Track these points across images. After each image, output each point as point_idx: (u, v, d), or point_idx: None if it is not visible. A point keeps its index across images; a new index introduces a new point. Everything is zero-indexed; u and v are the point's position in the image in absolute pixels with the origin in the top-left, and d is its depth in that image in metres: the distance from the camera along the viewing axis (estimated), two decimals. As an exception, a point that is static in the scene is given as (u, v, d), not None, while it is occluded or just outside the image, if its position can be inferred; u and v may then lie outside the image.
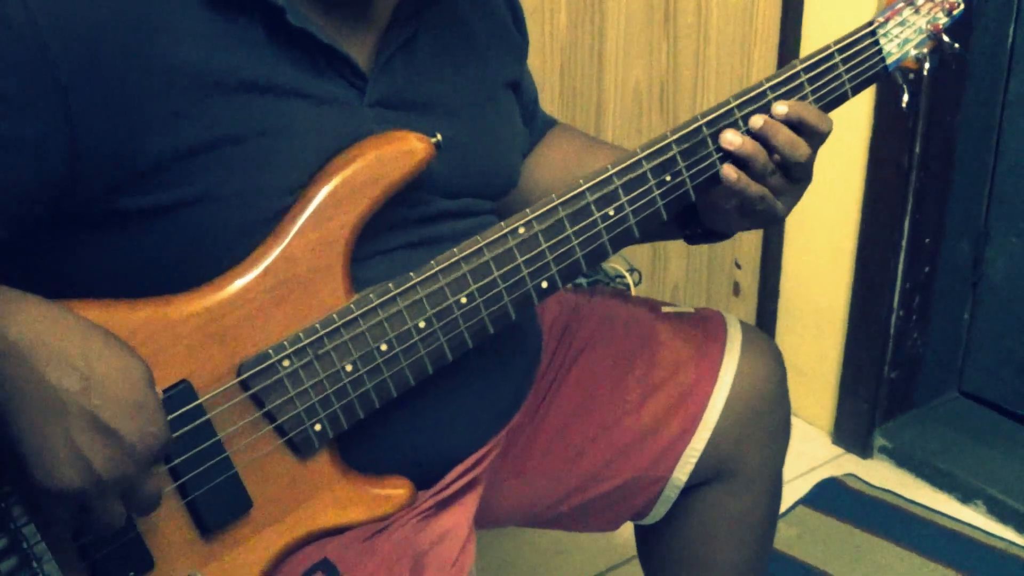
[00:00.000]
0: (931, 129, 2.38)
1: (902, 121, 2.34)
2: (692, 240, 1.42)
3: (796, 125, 1.26)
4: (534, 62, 2.09)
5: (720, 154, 1.27)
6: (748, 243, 2.68)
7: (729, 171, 1.25)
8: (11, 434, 0.94)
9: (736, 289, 2.72)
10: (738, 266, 2.70)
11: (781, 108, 1.26)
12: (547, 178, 1.47)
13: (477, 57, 1.32)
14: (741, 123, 1.27)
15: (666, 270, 2.56)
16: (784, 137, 1.25)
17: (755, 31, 2.48)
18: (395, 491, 1.21)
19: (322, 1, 1.15)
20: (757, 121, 1.26)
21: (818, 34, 2.45)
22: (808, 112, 1.27)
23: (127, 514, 1.01)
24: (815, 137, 1.28)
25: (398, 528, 1.22)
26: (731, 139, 1.25)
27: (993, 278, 2.58)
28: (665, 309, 1.55)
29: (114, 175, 1.04)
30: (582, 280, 2.18)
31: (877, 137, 2.39)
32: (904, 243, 2.45)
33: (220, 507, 1.10)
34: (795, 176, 1.28)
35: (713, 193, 1.30)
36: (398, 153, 1.15)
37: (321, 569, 1.16)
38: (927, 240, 2.49)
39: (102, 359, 0.97)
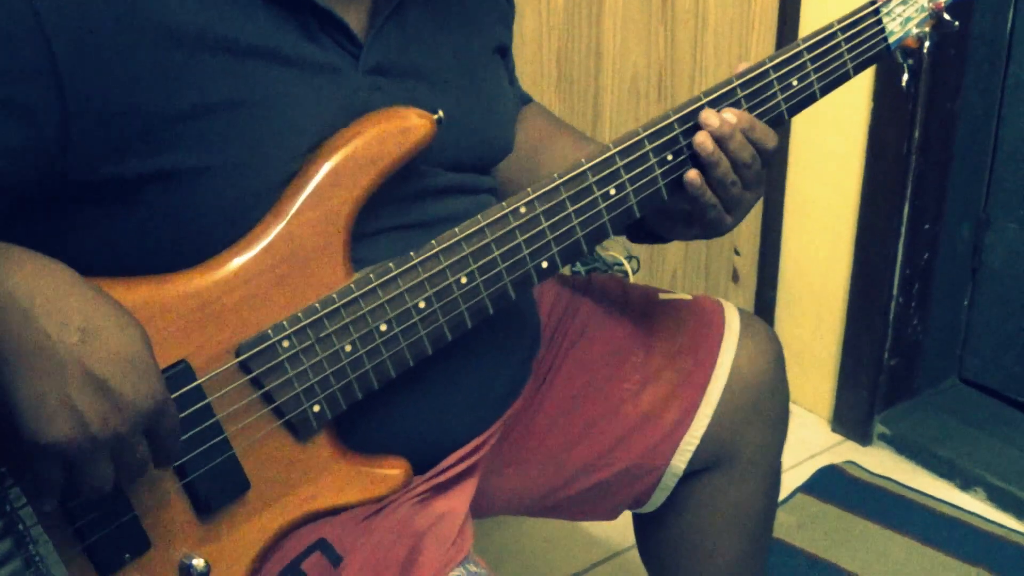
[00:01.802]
0: (931, 114, 2.37)
1: (902, 106, 2.33)
2: (634, 239, 1.42)
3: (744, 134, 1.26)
4: (531, 49, 2.09)
5: None
6: (747, 229, 2.68)
7: (694, 175, 1.25)
8: (5, 384, 0.93)
9: (735, 276, 2.72)
10: (737, 253, 2.69)
11: (731, 118, 1.25)
12: (521, 156, 1.46)
13: (467, 22, 1.31)
14: (744, 102, 1.27)
15: (664, 257, 2.56)
16: (738, 140, 1.25)
17: (753, 17, 2.48)
18: (391, 471, 1.20)
19: None
20: (713, 120, 1.24)
21: (816, 20, 2.43)
22: (753, 125, 1.26)
23: (116, 483, 1.00)
24: (762, 152, 1.27)
25: (396, 509, 1.22)
26: (703, 142, 1.24)
27: (993, 264, 2.58)
28: (663, 296, 1.54)
29: (105, 139, 1.03)
30: (580, 268, 2.18)
31: (876, 122, 2.39)
32: (903, 229, 2.44)
33: (218, 488, 1.09)
34: (747, 184, 1.28)
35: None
36: (399, 130, 1.14)
37: (318, 549, 1.16)
38: (926, 226, 2.48)
39: (100, 315, 0.96)
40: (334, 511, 1.17)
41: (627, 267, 2.28)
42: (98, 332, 0.95)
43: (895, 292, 2.49)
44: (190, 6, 1.05)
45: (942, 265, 2.56)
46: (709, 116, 1.24)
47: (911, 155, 2.38)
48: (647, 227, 1.37)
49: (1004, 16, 2.42)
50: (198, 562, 1.08)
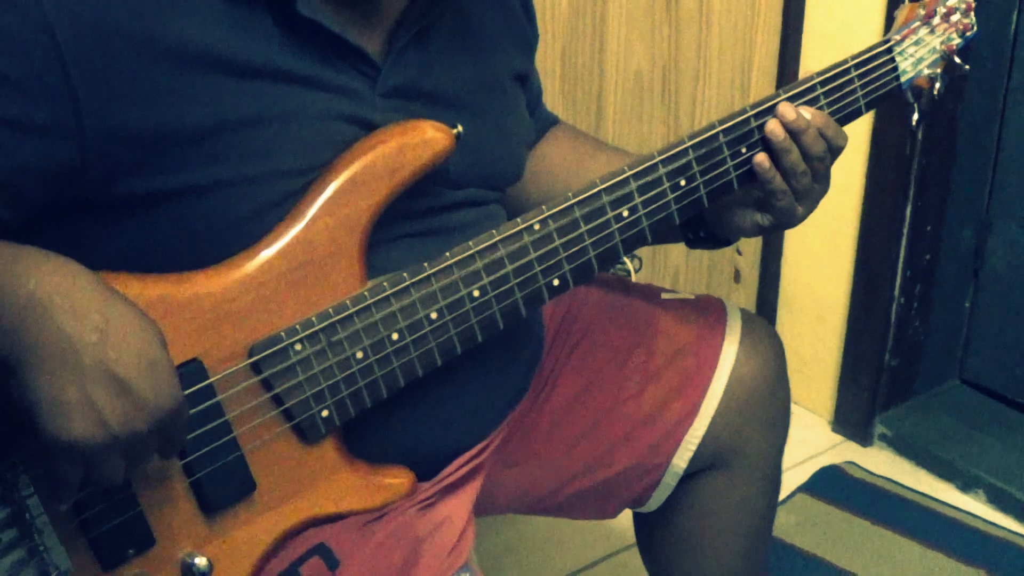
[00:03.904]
0: (933, 116, 2.37)
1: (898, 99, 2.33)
2: (692, 244, 1.44)
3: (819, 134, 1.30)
4: (535, 46, 2.08)
5: (735, 162, 1.29)
6: (749, 230, 2.67)
7: (763, 158, 1.28)
8: (26, 384, 0.94)
9: (737, 276, 2.72)
10: (739, 252, 2.70)
11: (807, 114, 1.29)
12: (549, 178, 1.48)
13: (488, 49, 1.32)
14: (757, 132, 1.29)
15: (667, 256, 2.56)
16: (811, 135, 1.28)
17: (758, 17, 2.48)
18: (396, 480, 1.21)
19: None
20: (791, 113, 1.27)
21: (821, 21, 2.45)
22: (828, 124, 1.30)
23: (126, 480, 1.01)
24: (832, 150, 1.31)
25: (397, 515, 1.22)
26: (774, 129, 1.28)
27: (994, 266, 2.58)
28: (665, 296, 1.55)
29: (122, 158, 1.04)
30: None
31: (879, 124, 2.39)
32: (905, 230, 2.45)
33: (224, 488, 1.10)
34: (817, 177, 1.31)
35: (728, 198, 1.32)
36: (419, 142, 1.15)
37: (318, 553, 1.16)
38: (929, 228, 2.48)
39: (119, 315, 0.97)
40: (337, 517, 1.18)
41: (629, 265, 2.27)
42: (117, 332, 0.96)
43: (897, 293, 2.49)
44: (205, 28, 1.06)
45: (944, 266, 2.56)
46: (787, 109, 1.28)
47: (914, 156, 2.39)
48: (708, 232, 1.40)
49: (1008, 19, 2.42)
50: (200, 561, 1.09)
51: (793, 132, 1.28)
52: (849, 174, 2.46)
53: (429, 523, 1.25)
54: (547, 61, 2.19)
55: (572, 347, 1.50)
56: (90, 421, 0.94)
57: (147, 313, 1.02)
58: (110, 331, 0.95)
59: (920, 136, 2.37)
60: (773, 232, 1.37)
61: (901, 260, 2.47)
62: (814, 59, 2.49)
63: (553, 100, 2.21)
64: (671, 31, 2.36)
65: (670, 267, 2.58)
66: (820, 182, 1.32)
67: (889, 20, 2.28)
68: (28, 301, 0.94)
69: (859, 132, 2.41)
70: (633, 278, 2.24)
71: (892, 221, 2.44)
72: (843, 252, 2.55)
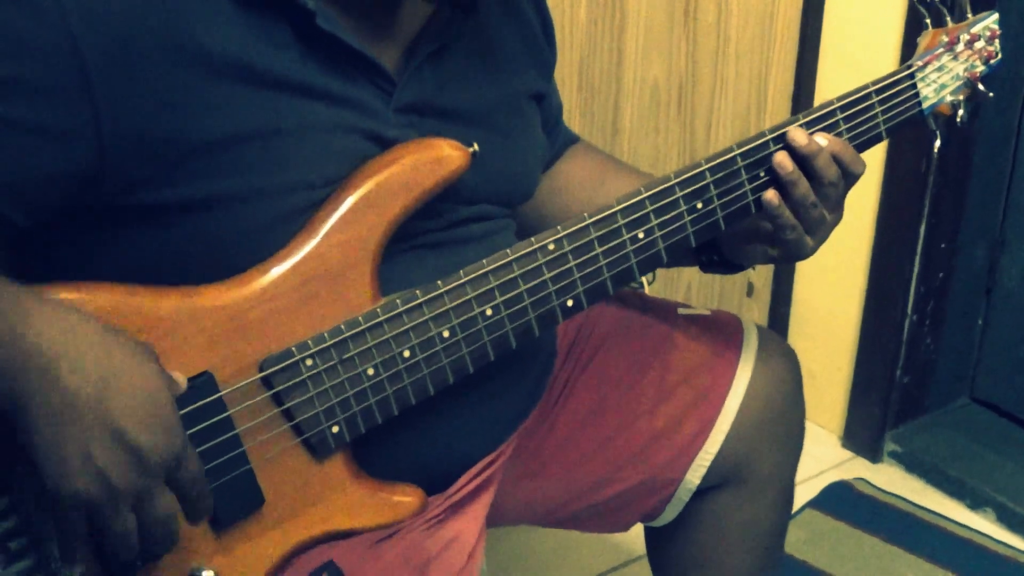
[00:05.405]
0: (949, 135, 2.35)
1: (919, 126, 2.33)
2: (706, 268, 1.43)
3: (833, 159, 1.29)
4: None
5: (752, 185, 1.28)
6: (763, 244, 2.67)
7: (771, 195, 1.27)
8: (27, 439, 0.94)
9: (750, 290, 2.72)
10: (752, 267, 2.69)
11: (822, 140, 1.28)
12: (566, 196, 1.48)
13: (505, 68, 1.32)
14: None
15: (680, 269, 2.56)
16: (824, 159, 1.27)
17: (775, 31, 2.48)
18: (405, 498, 1.20)
19: (352, 6, 1.15)
20: (802, 138, 1.26)
21: (838, 35, 2.45)
22: (845, 149, 1.29)
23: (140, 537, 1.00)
24: (847, 176, 1.30)
25: (407, 534, 1.22)
26: (782, 161, 1.27)
27: (1008, 285, 2.58)
28: (681, 311, 1.55)
29: (138, 166, 1.03)
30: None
31: (894, 141, 2.39)
32: (919, 248, 2.45)
33: (233, 502, 1.10)
34: (829, 205, 1.30)
35: (745, 222, 1.31)
36: (434, 160, 1.15)
37: (326, 571, 1.16)
38: (942, 246, 2.48)
39: (119, 364, 0.96)
40: (346, 534, 1.17)
41: (643, 279, 2.27)
42: (117, 383, 0.95)
43: (909, 310, 2.49)
44: (226, 36, 1.06)
45: (957, 285, 2.56)
46: (797, 134, 1.27)
47: (929, 174, 2.38)
48: (722, 257, 1.39)
49: (1023, 37, 2.41)
50: (208, 575, 1.09)
51: (805, 157, 1.27)
52: (863, 191, 2.46)
53: (439, 542, 1.25)
54: (564, 72, 2.19)
55: (587, 361, 1.50)
56: (91, 476, 0.94)
57: (160, 323, 1.03)
58: (110, 383, 0.95)
59: (935, 154, 2.36)
60: (784, 263, 1.36)
61: (914, 277, 2.47)
62: (830, 75, 2.48)
63: (570, 111, 2.21)
64: (688, 45, 2.36)
65: (683, 281, 2.58)
66: (832, 211, 1.31)
67: (906, 35, 2.28)
68: (27, 355, 0.93)
69: (874, 149, 2.38)
70: (647, 291, 2.24)
71: (906, 238, 2.44)
72: (856, 268, 2.54)
